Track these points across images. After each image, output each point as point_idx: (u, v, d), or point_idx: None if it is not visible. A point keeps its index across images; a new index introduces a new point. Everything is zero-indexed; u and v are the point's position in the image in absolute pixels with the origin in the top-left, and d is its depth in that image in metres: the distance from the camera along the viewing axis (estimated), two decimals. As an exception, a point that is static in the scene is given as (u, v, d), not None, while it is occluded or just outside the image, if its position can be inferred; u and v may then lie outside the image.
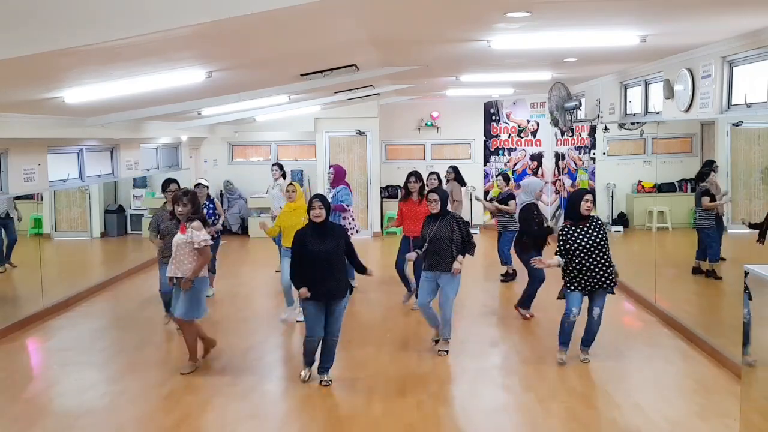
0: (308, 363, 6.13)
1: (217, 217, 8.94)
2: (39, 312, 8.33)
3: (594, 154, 13.57)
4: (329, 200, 8.82)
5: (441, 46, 6.59)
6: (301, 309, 7.69)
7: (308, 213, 5.91)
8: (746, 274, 4.97)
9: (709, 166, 9.68)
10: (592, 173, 13.49)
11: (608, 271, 6.26)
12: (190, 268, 6.18)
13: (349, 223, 9.01)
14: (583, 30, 5.68)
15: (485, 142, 14.82)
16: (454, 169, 10.64)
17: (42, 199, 13.73)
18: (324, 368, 6.09)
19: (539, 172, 14.59)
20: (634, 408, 5.53)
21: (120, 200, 14.74)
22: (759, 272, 4.91)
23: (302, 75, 7.17)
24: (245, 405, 5.73)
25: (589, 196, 6.32)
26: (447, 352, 6.77)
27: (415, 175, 8.33)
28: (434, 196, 6.72)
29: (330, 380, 6.06)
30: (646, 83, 8.35)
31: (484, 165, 14.76)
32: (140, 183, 14.53)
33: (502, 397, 5.90)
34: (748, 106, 5.87)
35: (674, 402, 5.69)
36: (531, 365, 6.59)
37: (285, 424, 5.46)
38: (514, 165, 14.74)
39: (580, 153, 13.87)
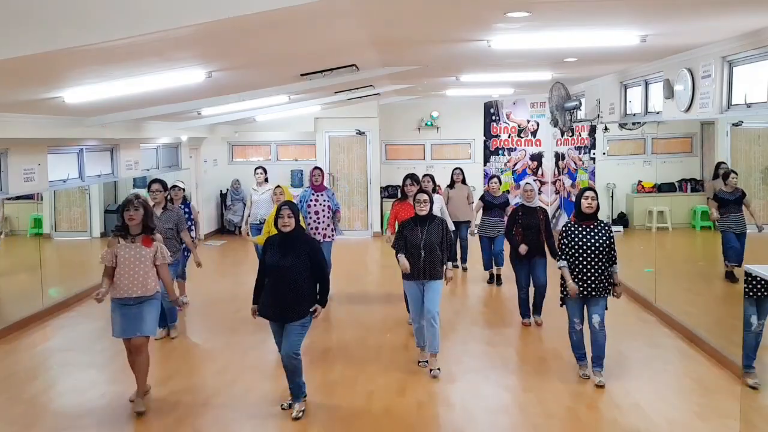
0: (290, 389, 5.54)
1: (192, 222, 8.53)
2: (39, 312, 8.33)
3: (594, 154, 13.58)
4: (329, 203, 8.70)
5: (441, 46, 6.59)
6: None
7: (275, 222, 5.33)
8: (747, 274, 4.98)
9: (716, 169, 9.54)
10: (592, 173, 13.49)
11: (603, 276, 5.93)
12: (155, 286, 5.52)
13: (326, 228, 8.57)
14: (583, 30, 5.67)
15: (485, 142, 14.82)
16: (461, 171, 10.78)
17: (42, 199, 13.75)
18: (293, 395, 5.48)
19: (539, 172, 14.60)
20: (634, 408, 5.53)
21: (120, 200, 14.73)
22: (759, 273, 4.92)
23: (302, 75, 7.17)
24: (245, 405, 5.73)
25: (589, 193, 5.98)
26: (440, 369, 6.31)
27: (411, 177, 7.75)
28: (424, 196, 6.27)
29: (301, 412, 5.42)
30: (646, 83, 8.35)
31: (484, 165, 14.76)
32: (140, 183, 14.52)
33: (502, 397, 5.90)
34: (748, 106, 5.86)
35: (674, 402, 5.69)
36: (531, 365, 6.59)
37: (285, 424, 5.46)
38: (514, 165, 14.74)
39: (580, 153, 13.87)
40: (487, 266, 9.97)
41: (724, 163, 9.78)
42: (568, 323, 6.17)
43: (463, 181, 10.69)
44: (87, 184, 11.59)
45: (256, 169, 10.46)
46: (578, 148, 13.91)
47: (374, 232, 14.37)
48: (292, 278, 5.21)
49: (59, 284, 9.75)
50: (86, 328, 8.14)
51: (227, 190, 14.88)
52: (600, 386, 5.90)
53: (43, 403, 5.87)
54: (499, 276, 9.87)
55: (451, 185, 10.65)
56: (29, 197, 13.08)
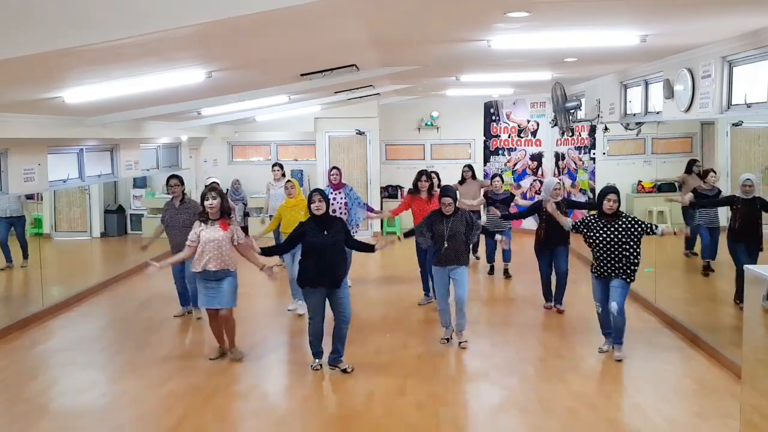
0: (316, 353, 6.40)
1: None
2: (39, 312, 8.33)
3: (594, 154, 13.57)
4: (346, 201, 9.00)
5: (441, 46, 6.59)
6: (301, 303, 7.93)
7: (309, 207, 6.15)
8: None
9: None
10: (592, 173, 13.49)
11: (622, 264, 6.35)
12: (233, 263, 6.48)
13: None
14: (583, 30, 5.67)
15: (485, 142, 14.82)
16: (471, 168, 11.17)
17: (42, 199, 13.75)
18: (338, 354, 6.34)
19: (539, 172, 14.59)
20: (634, 408, 5.54)
21: (120, 200, 14.75)
22: (759, 272, 4.91)
23: (302, 75, 7.17)
24: (245, 405, 5.73)
25: (612, 196, 6.38)
26: (467, 341, 7.04)
27: (426, 174, 8.52)
28: (449, 200, 6.85)
29: (350, 366, 6.31)
30: (646, 83, 8.35)
31: (484, 165, 14.76)
32: (140, 183, 14.54)
33: (502, 397, 5.90)
34: (748, 106, 5.87)
35: (674, 402, 5.69)
36: (531, 365, 6.59)
37: (285, 424, 5.46)
38: (514, 165, 14.73)
39: (580, 153, 13.87)
40: (490, 258, 10.30)
41: (697, 160, 10.37)
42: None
43: (473, 177, 11.02)
44: (87, 184, 11.60)
45: (273, 165, 11.29)
46: (578, 148, 13.90)
47: (374, 232, 14.37)
48: (337, 251, 6.17)
49: (59, 284, 9.76)
50: (86, 328, 8.14)
51: (227, 190, 14.87)
52: (618, 361, 6.47)
53: (43, 403, 5.87)
54: (507, 270, 10.20)
55: (462, 182, 10.95)
56: (29, 197, 13.09)
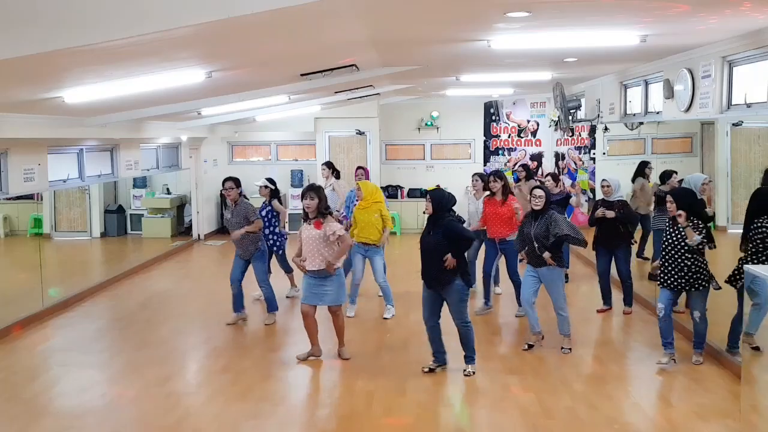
0: (433, 353, 6.40)
1: (277, 218, 8.99)
2: (39, 312, 8.33)
3: (594, 154, 13.58)
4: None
5: (441, 46, 6.59)
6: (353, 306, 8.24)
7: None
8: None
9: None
10: (592, 173, 13.50)
11: (693, 271, 6.11)
12: (327, 257, 6.31)
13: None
14: (583, 30, 5.67)
15: (485, 142, 14.82)
16: (526, 167, 10.79)
17: (42, 199, 13.77)
18: (467, 357, 6.33)
19: (539, 172, 14.60)
20: (634, 408, 5.54)
21: (120, 200, 14.76)
22: (760, 273, 4.92)
23: (302, 75, 7.17)
24: (245, 405, 5.73)
25: (669, 197, 6.22)
26: (570, 349, 6.77)
27: (495, 174, 8.03)
28: (540, 192, 6.69)
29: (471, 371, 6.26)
30: (646, 83, 8.35)
31: (484, 165, 14.76)
32: (140, 183, 14.55)
33: (502, 397, 5.90)
34: (748, 106, 5.87)
35: (674, 402, 5.69)
36: (531, 365, 6.58)
37: (285, 424, 5.46)
38: (514, 165, 14.73)
39: (580, 153, 13.88)
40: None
41: (649, 162, 10.40)
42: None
43: (527, 178, 10.42)
44: (87, 184, 11.62)
45: (323, 164, 10.85)
46: (578, 148, 13.91)
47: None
48: (437, 251, 6.06)
49: (59, 284, 9.76)
50: (86, 328, 8.14)
51: (227, 190, 14.84)
52: (697, 364, 6.28)
53: (43, 403, 5.87)
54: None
55: (517, 182, 10.45)
56: (29, 197, 13.13)
